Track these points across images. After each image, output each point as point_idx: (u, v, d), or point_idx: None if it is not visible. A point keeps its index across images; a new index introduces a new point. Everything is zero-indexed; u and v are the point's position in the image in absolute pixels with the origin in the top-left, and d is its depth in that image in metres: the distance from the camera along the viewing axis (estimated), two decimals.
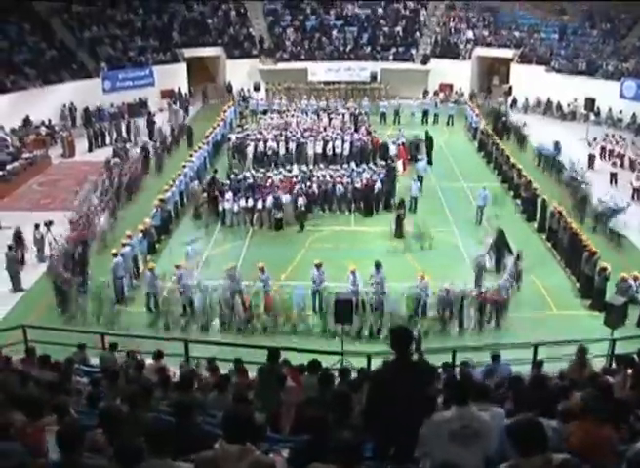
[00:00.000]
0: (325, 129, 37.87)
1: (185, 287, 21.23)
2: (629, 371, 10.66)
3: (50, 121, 40.52)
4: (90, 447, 6.03)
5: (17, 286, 23.09)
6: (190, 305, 21.22)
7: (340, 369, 11.08)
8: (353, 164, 32.69)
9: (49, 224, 24.92)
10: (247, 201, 28.33)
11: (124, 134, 40.67)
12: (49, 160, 37.00)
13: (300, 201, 28.23)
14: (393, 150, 34.92)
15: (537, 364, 13.70)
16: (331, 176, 30.40)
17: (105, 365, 12.67)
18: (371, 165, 32.77)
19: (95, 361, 14.43)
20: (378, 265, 21.37)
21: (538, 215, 28.17)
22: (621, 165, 35.39)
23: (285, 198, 28.31)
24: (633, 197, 30.81)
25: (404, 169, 33.38)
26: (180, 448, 5.75)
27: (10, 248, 23.26)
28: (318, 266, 21.61)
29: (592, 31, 49.71)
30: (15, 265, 23.23)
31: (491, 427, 6.21)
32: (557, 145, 35.62)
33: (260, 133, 36.95)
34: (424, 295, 20.67)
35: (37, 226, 24.63)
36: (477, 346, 17.82)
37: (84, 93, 42.85)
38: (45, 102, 40.37)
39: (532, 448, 5.33)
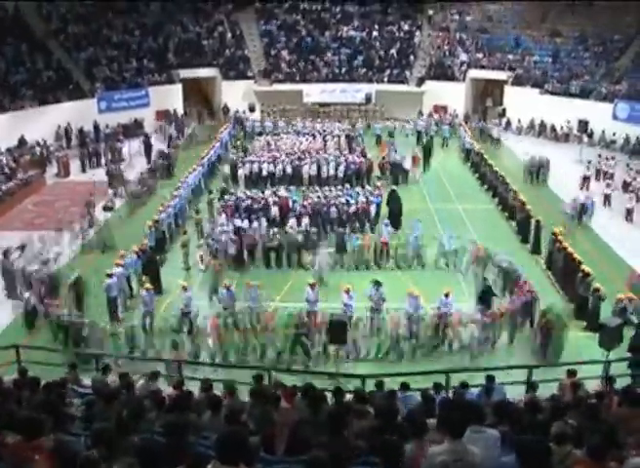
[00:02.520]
0: (320, 151, 38.03)
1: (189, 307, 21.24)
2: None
3: (45, 141, 40.54)
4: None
5: (11, 293, 23.43)
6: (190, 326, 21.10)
7: (333, 390, 11.01)
8: (348, 186, 32.69)
9: (22, 248, 24.89)
10: (242, 221, 28.25)
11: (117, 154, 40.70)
12: (43, 180, 36.99)
13: (305, 221, 28.24)
14: (407, 163, 37.14)
15: (531, 387, 13.67)
16: (325, 197, 30.47)
17: (98, 387, 12.58)
18: (367, 187, 32.85)
19: (87, 382, 14.34)
20: (377, 284, 21.40)
21: (532, 237, 28.21)
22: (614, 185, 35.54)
23: (291, 221, 28.23)
24: (627, 218, 30.88)
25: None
26: None
27: (5, 255, 23.63)
28: (312, 286, 21.55)
29: (585, 54, 50.09)
30: (9, 273, 23.60)
31: (483, 461, 6.26)
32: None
33: (260, 154, 37.30)
34: (416, 314, 20.54)
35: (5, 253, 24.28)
36: (472, 368, 17.78)
37: (79, 113, 42.95)
38: (41, 123, 40.38)
39: (532, 465, 5.43)
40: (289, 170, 35.49)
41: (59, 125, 42.37)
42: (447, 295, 21.03)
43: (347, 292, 21.17)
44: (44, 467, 6.00)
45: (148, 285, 22.28)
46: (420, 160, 38.65)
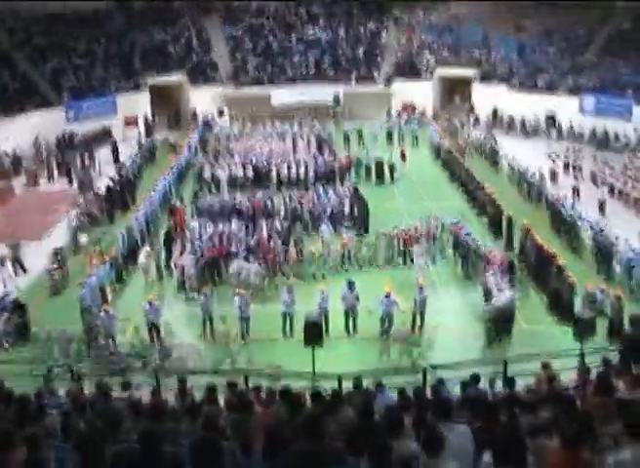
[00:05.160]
0: (290, 152, 38.08)
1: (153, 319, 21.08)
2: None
3: (15, 151, 40.03)
4: None
5: None
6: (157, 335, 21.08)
7: (311, 393, 10.98)
8: (320, 187, 32.74)
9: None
10: (217, 226, 28.02)
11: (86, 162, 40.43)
12: (12, 190, 36.59)
13: (277, 223, 28.16)
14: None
15: (508, 381, 13.71)
16: (298, 199, 30.58)
17: (74, 397, 12.47)
18: (338, 187, 32.94)
19: (62, 392, 14.22)
20: (350, 283, 21.48)
21: (504, 232, 28.34)
22: (582, 178, 36.04)
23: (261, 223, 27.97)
24: (601, 210, 31.00)
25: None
26: None
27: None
28: (289, 289, 21.59)
29: (550, 48, 50.52)
30: None
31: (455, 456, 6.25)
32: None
33: (230, 158, 37.52)
34: (392, 311, 20.79)
35: None
36: (449, 364, 17.82)
37: (48, 123, 42.54)
38: (8, 134, 39.90)
39: (507, 458, 5.44)
40: (259, 172, 35.49)
41: (36, 135, 41.95)
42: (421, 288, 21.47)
43: (322, 292, 21.32)
44: None
45: (106, 306, 21.84)
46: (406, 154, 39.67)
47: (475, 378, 13.43)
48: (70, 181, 37.65)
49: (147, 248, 26.66)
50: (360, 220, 29.82)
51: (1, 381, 13.44)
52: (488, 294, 21.99)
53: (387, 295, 20.83)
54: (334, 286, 22.71)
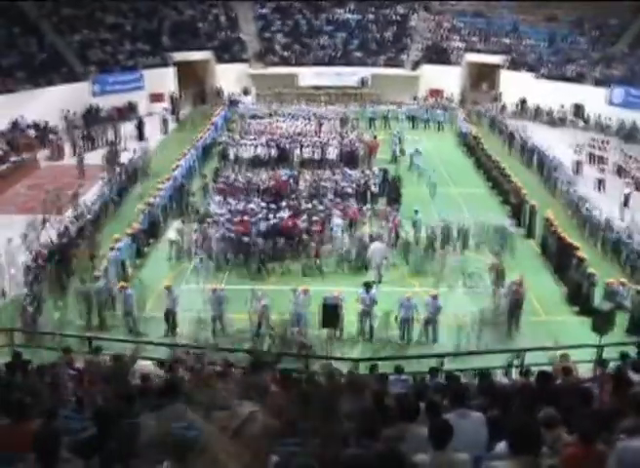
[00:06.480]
0: (315, 134, 38.00)
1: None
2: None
3: (47, 123, 40.22)
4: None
5: None
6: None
7: (325, 373, 10.97)
8: (347, 169, 32.66)
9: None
10: (238, 204, 28.05)
11: (111, 137, 40.54)
12: (37, 163, 36.76)
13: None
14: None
15: (524, 371, 13.66)
16: (321, 180, 30.66)
17: (90, 370, 12.52)
18: (366, 170, 32.81)
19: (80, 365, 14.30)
20: (367, 286, 20.74)
21: (527, 221, 28.19)
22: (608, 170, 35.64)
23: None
24: (625, 204, 30.65)
25: None
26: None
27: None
28: (305, 291, 20.49)
29: (581, 38, 50.01)
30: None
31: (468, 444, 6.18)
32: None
33: (255, 137, 37.54)
34: (412, 314, 20.14)
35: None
36: (467, 352, 17.77)
37: (73, 96, 42.62)
38: (34, 105, 39.99)
39: (523, 447, 5.46)
40: (283, 152, 35.44)
41: (68, 109, 42.13)
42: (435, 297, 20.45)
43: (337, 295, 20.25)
44: None
45: (123, 284, 21.48)
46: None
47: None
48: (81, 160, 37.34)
49: (179, 224, 26.87)
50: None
51: (19, 352, 13.56)
52: None
53: (408, 299, 20.10)
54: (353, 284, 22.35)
